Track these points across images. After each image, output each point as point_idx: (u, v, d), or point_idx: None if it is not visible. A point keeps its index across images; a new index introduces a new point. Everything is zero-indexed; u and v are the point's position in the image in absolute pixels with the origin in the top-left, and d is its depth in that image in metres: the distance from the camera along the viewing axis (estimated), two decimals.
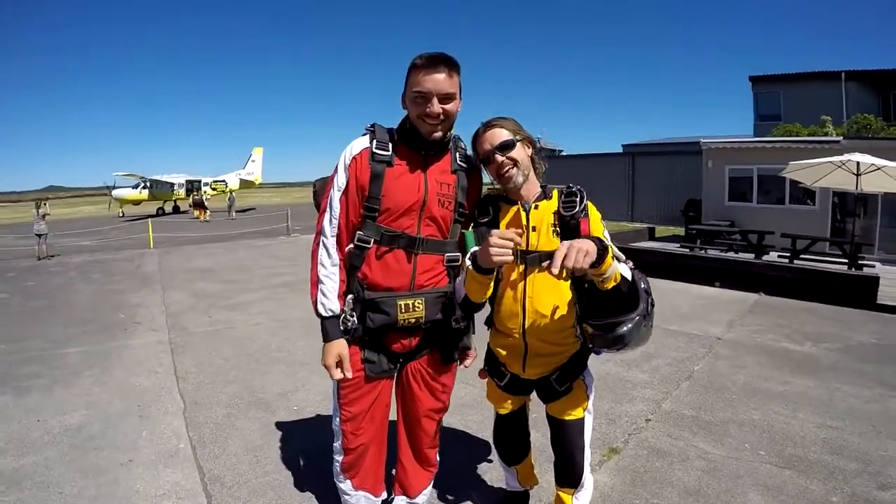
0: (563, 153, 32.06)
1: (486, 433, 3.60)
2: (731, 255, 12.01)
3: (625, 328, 1.96)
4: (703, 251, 12.72)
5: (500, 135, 2.16)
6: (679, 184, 21.95)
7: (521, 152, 2.17)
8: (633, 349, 2.09)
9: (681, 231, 17.26)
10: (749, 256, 11.41)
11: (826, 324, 7.19)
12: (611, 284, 1.95)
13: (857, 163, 10.13)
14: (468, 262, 2.03)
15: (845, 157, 10.38)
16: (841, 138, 15.08)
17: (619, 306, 2.00)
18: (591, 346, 2.20)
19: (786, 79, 28.46)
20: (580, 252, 1.73)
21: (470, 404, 4.26)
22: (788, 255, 11.20)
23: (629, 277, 2.00)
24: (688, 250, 12.78)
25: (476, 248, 2.02)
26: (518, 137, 2.18)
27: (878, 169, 10.03)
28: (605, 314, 2.01)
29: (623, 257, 2.04)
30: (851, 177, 10.46)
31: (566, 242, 1.77)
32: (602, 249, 1.83)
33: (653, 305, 2.07)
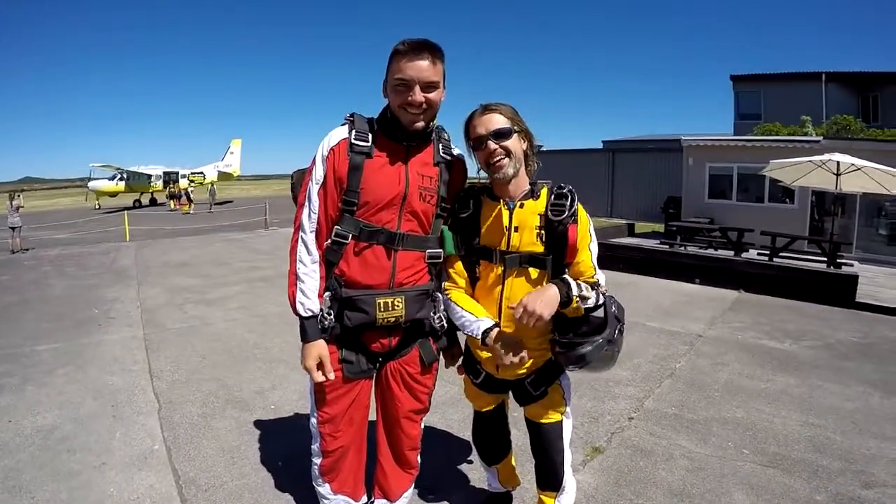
0: (543, 148, 32.18)
1: (467, 432, 3.53)
2: (710, 252, 12.07)
3: (585, 349, 2.02)
4: (682, 248, 12.82)
5: (498, 120, 2.06)
6: (659, 181, 22.09)
7: (516, 143, 2.08)
8: (599, 371, 2.17)
9: (661, 227, 17.39)
10: (729, 254, 11.46)
11: (806, 321, 7.25)
12: (572, 315, 2.07)
13: (837, 163, 10.22)
14: (478, 333, 2.09)
15: (825, 156, 10.47)
16: (821, 138, 15.26)
17: (590, 329, 2.06)
18: (554, 361, 2.21)
19: (766, 78, 28.76)
20: (532, 317, 1.88)
21: (451, 402, 4.20)
22: (768, 252, 11.28)
23: (593, 304, 2.04)
24: (668, 247, 12.84)
25: (489, 327, 2.07)
26: (516, 128, 2.08)
27: (858, 169, 10.13)
28: (575, 333, 2.07)
29: (592, 296, 2.02)
30: (831, 176, 10.56)
31: (523, 301, 1.91)
32: (567, 298, 1.95)
33: (621, 332, 2.10)
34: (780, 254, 11.25)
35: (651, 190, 22.42)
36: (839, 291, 8.35)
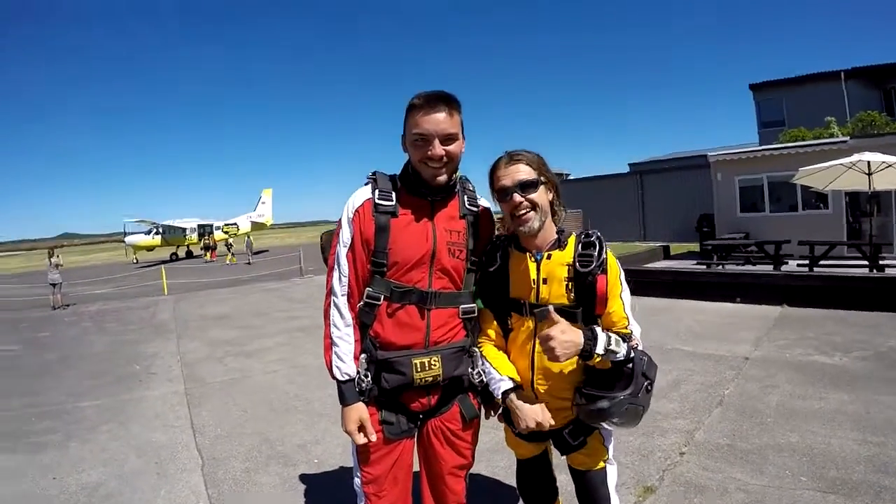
0: (570, 177, 32.23)
1: (514, 479, 3.48)
2: (749, 268, 11.82)
3: (604, 404, 1.95)
4: (720, 266, 12.55)
5: (523, 171, 2.02)
6: (690, 199, 21.88)
7: (542, 195, 2.03)
8: (622, 427, 2.07)
9: (696, 247, 17.12)
10: (768, 268, 11.22)
11: (854, 331, 7.02)
12: (600, 367, 2.01)
13: (868, 162, 10.04)
14: (498, 394, 2.08)
15: (855, 157, 10.29)
16: (847, 138, 15.04)
17: (616, 384, 1.98)
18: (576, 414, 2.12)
19: (785, 83, 28.55)
20: (550, 353, 1.87)
21: (496, 449, 4.09)
22: (807, 262, 11.02)
23: (622, 358, 1.95)
24: (705, 267, 12.59)
25: (508, 389, 2.06)
26: (542, 178, 2.04)
27: (889, 166, 9.93)
28: (599, 387, 2.00)
29: (622, 350, 1.94)
30: (863, 176, 10.36)
31: (550, 333, 1.87)
32: (588, 352, 1.89)
33: (648, 391, 2.01)
34: (820, 262, 10.98)
35: (683, 209, 22.22)
36: (885, 295, 8.11)
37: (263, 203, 44.24)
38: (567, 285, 2.03)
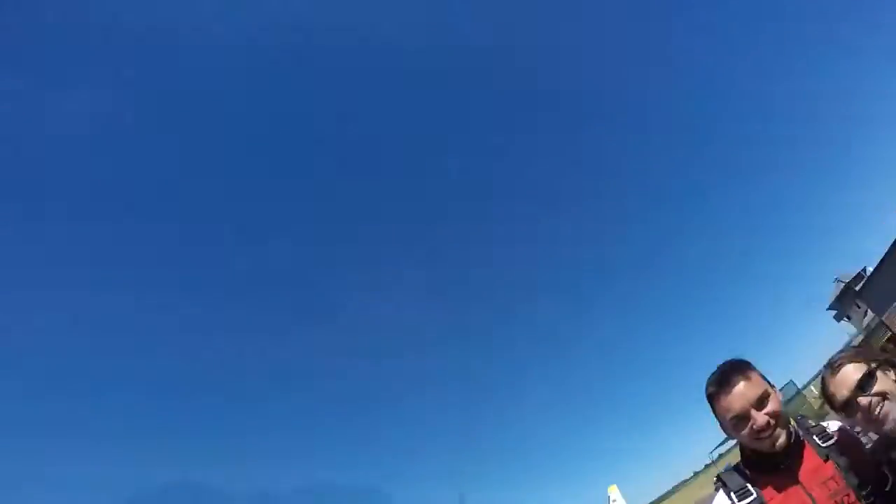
0: (869, 270, 28.68)
1: None
2: None
3: None
4: None
5: (853, 371, 1.84)
6: None
7: (885, 381, 1.81)
8: None
9: None
10: None
11: None
12: None
13: None
14: None
15: None
16: None
17: None
18: None
19: None
20: None
21: None
22: None
23: None
24: None
25: None
26: (873, 364, 1.84)
27: None
28: None
29: None
30: None
31: None
32: None
33: None
34: None
35: None
36: None
37: (615, 501, 42.74)
38: None
